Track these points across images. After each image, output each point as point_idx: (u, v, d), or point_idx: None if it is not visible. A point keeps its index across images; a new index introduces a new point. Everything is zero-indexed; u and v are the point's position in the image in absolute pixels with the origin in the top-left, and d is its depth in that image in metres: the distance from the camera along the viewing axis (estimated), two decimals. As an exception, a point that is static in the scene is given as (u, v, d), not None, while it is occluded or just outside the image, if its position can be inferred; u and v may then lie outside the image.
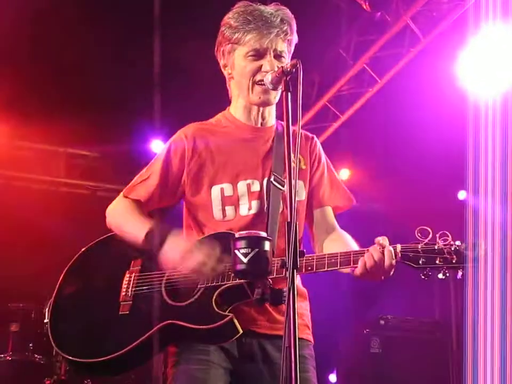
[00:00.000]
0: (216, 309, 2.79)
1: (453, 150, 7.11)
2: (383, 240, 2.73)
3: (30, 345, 6.65)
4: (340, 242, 3.10)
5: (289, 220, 2.40)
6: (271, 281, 2.70)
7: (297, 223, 2.40)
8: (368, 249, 2.74)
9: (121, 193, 3.21)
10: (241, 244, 2.50)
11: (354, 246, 3.04)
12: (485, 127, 6.15)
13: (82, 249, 3.19)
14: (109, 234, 3.17)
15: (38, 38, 7.17)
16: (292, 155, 2.50)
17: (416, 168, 8.69)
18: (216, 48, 3.17)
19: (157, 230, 2.95)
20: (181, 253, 2.85)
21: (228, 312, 2.79)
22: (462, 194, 9.29)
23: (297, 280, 2.98)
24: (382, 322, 8.28)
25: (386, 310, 8.49)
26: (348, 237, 3.13)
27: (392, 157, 8.99)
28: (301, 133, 3.20)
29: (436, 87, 7.39)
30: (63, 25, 7.06)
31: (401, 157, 8.77)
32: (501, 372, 6.04)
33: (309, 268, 2.76)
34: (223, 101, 3.33)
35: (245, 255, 2.47)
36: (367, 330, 8.27)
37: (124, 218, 3.12)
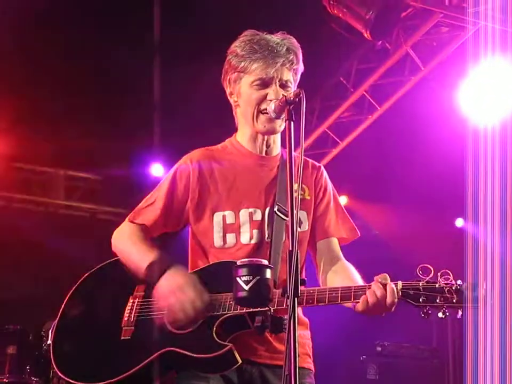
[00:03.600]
0: (216, 339, 2.78)
1: (451, 178, 7.15)
2: (382, 279, 2.73)
3: (27, 367, 6.61)
4: (343, 274, 3.07)
5: (290, 249, 2.40)
6: (272, 310, 2.71)
7: (298, 251, 2.39)
8: (370, 285, 2.74)
9: (127, 218, 3.20)
10: (243, 271, 2.51)
11: (358, 278, 3.02)
12: (484, 155, 6.18)
13: (87, 273, 3.17)
14: (114, 259, 3.15)
15: (39, 61, 7.22)
16: (295, 185, 2.50)
17: (415, 196, 8.72)
18: (222, 77, 3.18)
19: (158, 263, 2.93)
20: (170, 289, 2.84)
21: (228, 342, 2.78)
22: (459, 222, 9.31)
23: (299, 310, 2.99)
24: (378, 348, 8.26)
25: (383, 336, 8.46)
26: (352, 269, 3.10)
27: (391, 184, 9.02)
28: (308, 163, 3.23)
29: (435, 115, 7.45)
30: (64, 49, 7.12)
31: (400, 184, 8.79)
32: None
33: (310, 301, 2.75)
34: (223, 126, 3.36)
35: (246, 282, 2.49)
36: (364, 356, 8.24)
37: (128, 247, 3.10)
